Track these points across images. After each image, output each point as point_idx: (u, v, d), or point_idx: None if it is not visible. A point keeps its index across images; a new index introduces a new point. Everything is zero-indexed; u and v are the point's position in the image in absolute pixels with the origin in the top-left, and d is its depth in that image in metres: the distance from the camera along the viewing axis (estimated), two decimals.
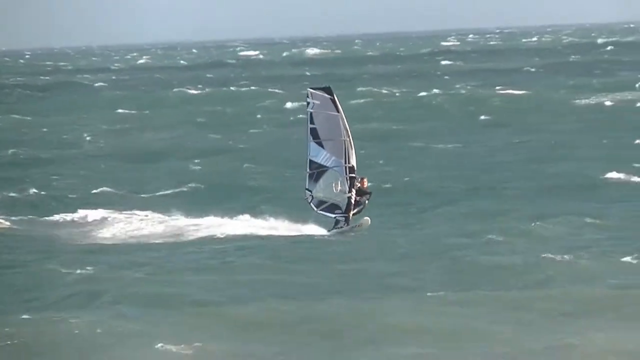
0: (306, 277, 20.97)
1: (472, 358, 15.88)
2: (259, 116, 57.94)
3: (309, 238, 25.36)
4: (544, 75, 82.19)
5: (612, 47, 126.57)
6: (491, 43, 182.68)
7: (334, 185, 25.77)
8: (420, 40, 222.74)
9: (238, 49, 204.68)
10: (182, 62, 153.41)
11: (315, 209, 25.89)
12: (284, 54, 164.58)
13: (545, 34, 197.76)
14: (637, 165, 34.38)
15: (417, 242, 24.06)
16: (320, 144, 25.74)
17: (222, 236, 25.35)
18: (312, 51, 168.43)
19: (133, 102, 67.76)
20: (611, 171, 32.81)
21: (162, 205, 29.48)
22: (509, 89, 63.82)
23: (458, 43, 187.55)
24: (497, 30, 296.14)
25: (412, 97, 62.00)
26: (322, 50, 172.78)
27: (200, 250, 24.02)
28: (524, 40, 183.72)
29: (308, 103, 25.79)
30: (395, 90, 67.00)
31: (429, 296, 19.02)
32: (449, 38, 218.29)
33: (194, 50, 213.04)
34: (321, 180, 25.88)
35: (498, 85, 67.03)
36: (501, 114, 52.93)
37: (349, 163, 25.55)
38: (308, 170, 25.94)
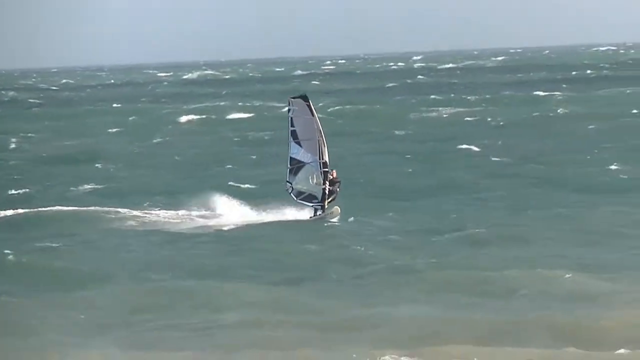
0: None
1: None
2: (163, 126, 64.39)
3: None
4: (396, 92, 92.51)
5: (459, 72, 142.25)
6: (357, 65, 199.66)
7: (310, 178, 30.53)
8: (301, 63, 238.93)
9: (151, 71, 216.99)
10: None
11: (295, 198, 30.40)
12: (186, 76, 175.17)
13: (400, 61, 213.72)
14: None
15: None
16: (298, 143, 30.25)
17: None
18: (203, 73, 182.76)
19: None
20: None
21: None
22: (362, 105, 72.77)
23: (333, 67, 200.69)
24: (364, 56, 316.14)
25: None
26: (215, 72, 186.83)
27: None
28: (384, 64, 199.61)
29: (289, 109, 30.52)
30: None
31: None
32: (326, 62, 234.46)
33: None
34: (300, 174, 30.36)
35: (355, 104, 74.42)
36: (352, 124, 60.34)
37: (322, 159, 30.21)
38: (289, 165, 30.42)
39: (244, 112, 71.84)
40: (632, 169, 37.86)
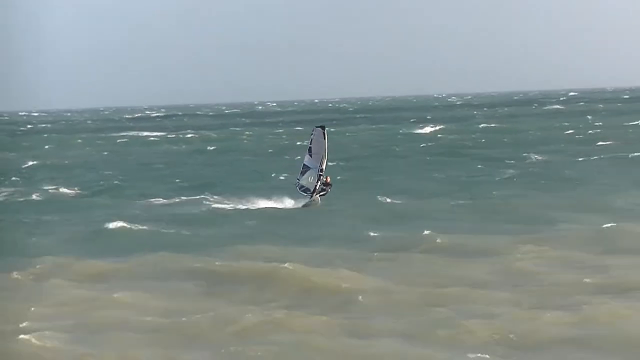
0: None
1: None
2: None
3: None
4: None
5: None
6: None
7: (310, 177, 48.45)
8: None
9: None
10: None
11: (298, 190, 47.78)
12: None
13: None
14: None
15: None
16: (310, 155, 48.65)
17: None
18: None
19: None
20: None
21: None
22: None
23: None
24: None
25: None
26: None
27: None
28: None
29: (312, 133, 49.33)
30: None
31: None
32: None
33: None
34: (305, 175, 48.47)
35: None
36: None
37: (321, 167, 48.14)
38: (301, 169, 47.78)
39: None
40: None
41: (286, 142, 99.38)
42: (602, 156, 65.90)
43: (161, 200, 50.69)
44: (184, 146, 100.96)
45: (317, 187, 47.05)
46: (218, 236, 36.08)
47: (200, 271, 27.61)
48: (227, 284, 26.05)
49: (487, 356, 18.25)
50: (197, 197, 50.59)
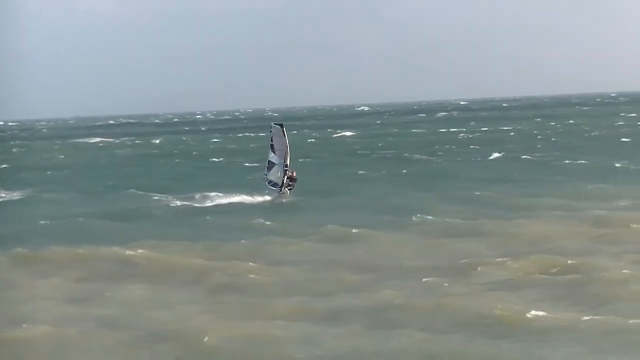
0: None
1: None
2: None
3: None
4: None
5: None
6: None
7: (276, 172, 51.35)
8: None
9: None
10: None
11: (267, 185, 51.12)
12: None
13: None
14: None
15: None
16: (274, 152, 51.57)
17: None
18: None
19: None
20: None
21: None
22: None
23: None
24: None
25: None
26: None
27: None
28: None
29: (271, 130, 52.26)
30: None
31: None
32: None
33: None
34: (272, 170, 51.42)
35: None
36: None
37: (285, 161, 50.84)
38: (267, 165, 51.39)
39: None
40: None
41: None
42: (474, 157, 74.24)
43: None
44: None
45: (284, 182, 49.99)
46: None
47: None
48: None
49: None
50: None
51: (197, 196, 50.47)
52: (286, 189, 49.95)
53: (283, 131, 51.09)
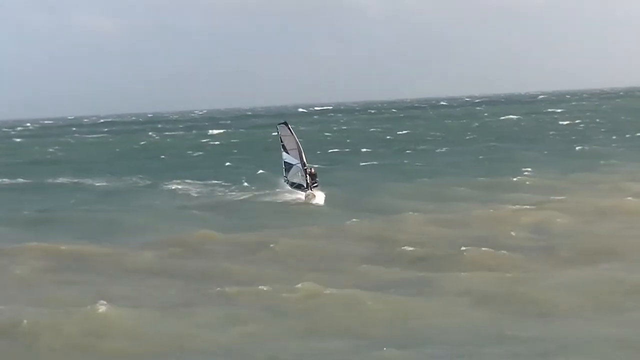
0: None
1: None
2: None
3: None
4: None
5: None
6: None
7: (298, 174, 47.67)
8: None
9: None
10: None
11: (290, 187, 47.59)
12: None
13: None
14: None
15: None
16: (287, 152, 47.83)
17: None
18: None
19: None
20: None
21: None
22: None
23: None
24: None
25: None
26: None
27: None
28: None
29: (277, 131, 48.52)
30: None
31: None
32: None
33: None
34: (291, 171, 47.68)
35: None
36: None
37: (302, 161, 46.94)
38: (283, 166, 47.60)
39: None
40: None
41: None
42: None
43: None
44: None
45: (308, 182, 46.55)
46: None
47: None
48: None
49: None
50: None
51: None
52: (312, 189, 46.36)
53: (289, 128, 47.58)
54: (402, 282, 23.61)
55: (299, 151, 47.14)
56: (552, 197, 40.72)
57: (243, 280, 24.48)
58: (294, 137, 47.31)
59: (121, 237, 34.27)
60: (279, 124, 48.65)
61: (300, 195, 46.61)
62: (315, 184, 46.81)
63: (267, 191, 49.47)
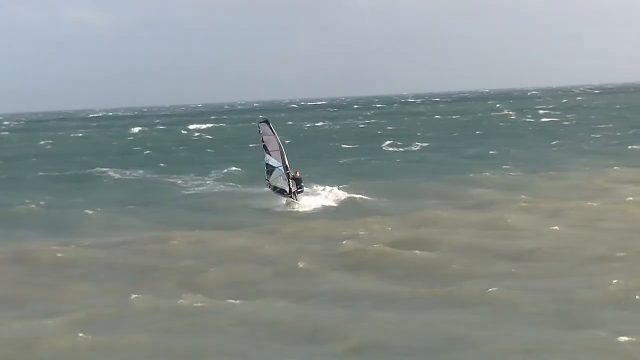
0: None
1: None
2: None
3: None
4: None
5: None
6: None
7: (280, 178, 43.26)
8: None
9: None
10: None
11: (272, 191, 43.14)
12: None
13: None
14: None
15: None
16: (269, 153, 43.44)
17: None
18: None
19: None
20: None
21: None
22: None
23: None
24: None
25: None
26: None
27: None
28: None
29: (259, 131, 44.12)
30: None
31: None
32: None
33: None
34: (273, 174, 43.18)
35: None
36: None
37: (284, 164, 42.23)
38: (265, 169, 43.16)
39: None
40: None
41: None
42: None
43: None
44: None
45: (291, 187, 42.46)
46: None
47: None
48: None
49: None
50: None
51: None
52: (295, 194, 42.33)
53: (270, 127, 43.38)
54: None
55: (281, 153, 43.12)
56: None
57: None
58: (276, 137, 43.20)
59: None
60: (260, 122, 44.39)
61: (283, 200, 42.62)
62: (300, 189, 42.83)
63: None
